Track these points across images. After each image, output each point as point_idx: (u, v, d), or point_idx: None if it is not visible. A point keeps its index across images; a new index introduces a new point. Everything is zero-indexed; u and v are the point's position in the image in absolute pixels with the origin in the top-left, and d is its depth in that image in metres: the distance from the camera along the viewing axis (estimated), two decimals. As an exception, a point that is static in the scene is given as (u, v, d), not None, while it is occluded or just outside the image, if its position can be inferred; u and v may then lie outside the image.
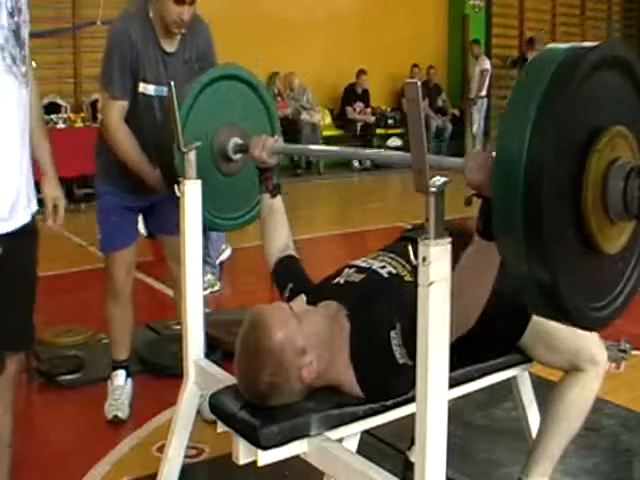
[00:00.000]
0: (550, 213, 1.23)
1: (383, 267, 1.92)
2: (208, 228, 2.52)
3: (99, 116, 8.10)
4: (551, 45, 1.36)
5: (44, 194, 2.13)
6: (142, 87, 2.77)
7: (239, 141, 2.27)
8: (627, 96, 1.40)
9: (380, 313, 1.76)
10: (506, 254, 1.30)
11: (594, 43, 1.31)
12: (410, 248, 1.37)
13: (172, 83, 2.11)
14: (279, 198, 2.17)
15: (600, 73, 1.31)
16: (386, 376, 1.76)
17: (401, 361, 1.71)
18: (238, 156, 2.28)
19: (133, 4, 2.83)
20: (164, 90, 2.68)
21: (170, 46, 2.79)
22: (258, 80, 2.51)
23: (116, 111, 2.75)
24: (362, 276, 1.91)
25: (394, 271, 1.90)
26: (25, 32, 1.93)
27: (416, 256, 1.35)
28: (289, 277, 2.04)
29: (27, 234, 2.01)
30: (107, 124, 2.78)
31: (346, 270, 1.97)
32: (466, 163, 1.41)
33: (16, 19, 1.87)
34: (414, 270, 1.88)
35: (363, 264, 1.97)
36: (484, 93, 11.39)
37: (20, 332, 2.07)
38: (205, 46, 2.86)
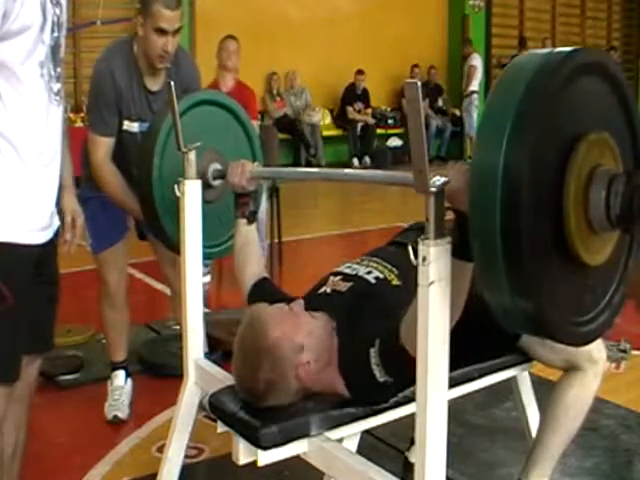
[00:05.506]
0: (530, 226, 1.18)
1: (369, 272, 1.90)
2: None
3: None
4: (529, 52, 1.31)
5: (64, 207, 2.05)
6: (126, 125, 2.78)
7: (219, 167, 2.21)
8: (607, 103, 1.35)
9: (364, 330, 1.73)
10: (483, 272, 1.25)
11: (571, 48, 1.26)
12: (410, 248, 1.36)
13: (172, 83, 2.10)
14: (254, 226, 2.14)
15: (578, 79, 1.26)
16: (370, 393, 1.75)
17: (382, 379, 1.68)
18: (218, 182, 2.22)
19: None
20: (147, 126, 2.69)
21: (154, 84, 2.77)
22: (238, 106, 2.48)
23: (101, 148, 2.75)
24: (349, 284, 1.89)
25: (381, 276, 1.89)
26: (62, 50, 1.87)
27: (416, 256, 1.35)
28: (266, 297, 1.96)
29: (54, 239, 2.01)
30: (93, 161, 2.77)
31: (331, 278, 1.94)
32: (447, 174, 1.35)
33: (56, 34, 1.82)
34: (401, 274, 1.88)
35: (348, 270, 1.95)
36: (475, 88, 11.35)
37: (47, 335, 2.06)
38: (190, 81, 2.83)
